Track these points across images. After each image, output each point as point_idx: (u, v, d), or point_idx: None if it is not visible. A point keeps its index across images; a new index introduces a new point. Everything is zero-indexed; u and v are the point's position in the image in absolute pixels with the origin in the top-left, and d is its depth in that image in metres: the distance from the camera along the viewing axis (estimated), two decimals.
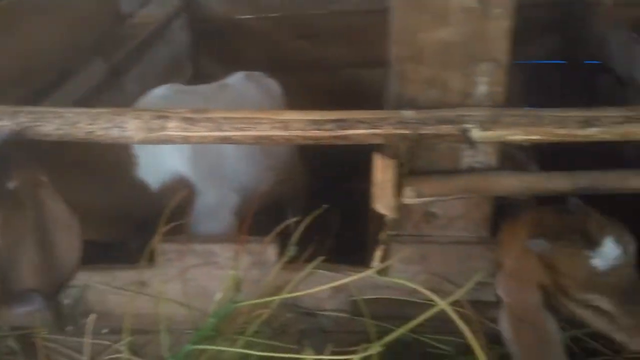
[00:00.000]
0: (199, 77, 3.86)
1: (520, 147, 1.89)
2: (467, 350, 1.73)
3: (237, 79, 2.54)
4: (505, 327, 1.56)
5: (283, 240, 1.78)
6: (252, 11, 4.08)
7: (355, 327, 1.79)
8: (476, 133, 1.45)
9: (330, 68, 3.92)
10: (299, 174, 2.81)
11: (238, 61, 3.04)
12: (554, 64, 4.35)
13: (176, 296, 1.73)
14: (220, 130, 1.40)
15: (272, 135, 1.42)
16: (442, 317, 1.77)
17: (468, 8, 1.40)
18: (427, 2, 1.41)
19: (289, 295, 1.58)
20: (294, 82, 3.65)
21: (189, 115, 1.41)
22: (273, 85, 2.67)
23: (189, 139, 1.43)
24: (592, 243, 1.37)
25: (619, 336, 1.40)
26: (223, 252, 1.70)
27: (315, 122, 1.42)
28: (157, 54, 3.40)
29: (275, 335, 1.66)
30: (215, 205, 2.17)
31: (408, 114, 1.44)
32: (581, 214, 1.45)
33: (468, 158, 1.60)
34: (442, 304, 1.31)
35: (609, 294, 1.37)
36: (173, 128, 1.41)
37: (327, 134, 1.43)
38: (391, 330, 1.78)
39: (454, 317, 1.28)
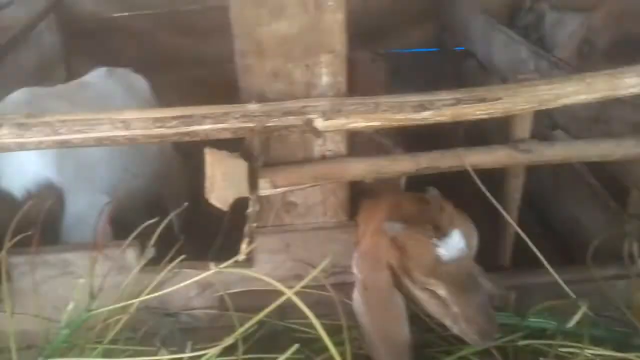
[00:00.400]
0: (73, 78, 3.71)
1: (386, 134, 1.98)
2: (337, 331, 1.81)
3: (97, 76, 2.45)
4: (357, 302, 1.63)
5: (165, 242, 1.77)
6: (126, 9, 3.98)
7: (227, 322, 1.80)
8: (320, 123, 1.50)
9: (210, 63, 3.89)
10: (177, 172, 2.77)
11: (114, 60, 2.95)
12: (429, 51, 4.57)
13: (33, 310, 1.65)
14: (58, 134, 1.36)
15: (113, 136, 1.39)
16: (310, 302, 1.83)
17: (302, 1, 1.43)
18: None
19: (144, 298, 1.57)
20: (173, 79, 3.60)
21: (22, 120, 1.35)
22: (139, 81, 2.60)
23: (25, 145, 1.37)
24: (441, 233, 1.45)
25: (446, 321, 1.51)
26: (79, 260, 1.65)
27: (158, 120, 1.41)
28: (21, 58, 3.22)
29: (142, 340, 1.64)
30: (86, 210, 2.09)
31: (253, 107, 1.46)
32: (436, 205, 1.53)
33: (319, 147, 1.65)
34: (288, 293, 1.34)
35: (446, 282, 1.46)
36: (6, 135, 1.35)
37: (172, 131, 1.42)
38: (261, 322, 1.81)
39: (300, 304, 1.32)
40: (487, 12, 3.42)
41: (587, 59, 2.14)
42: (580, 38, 2.16)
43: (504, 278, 1.89)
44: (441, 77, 4.19)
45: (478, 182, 1.66)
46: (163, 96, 2.67)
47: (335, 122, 1.51)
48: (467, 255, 1.48)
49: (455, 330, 1.52)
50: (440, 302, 1.48)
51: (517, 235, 2.37)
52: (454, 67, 4.05)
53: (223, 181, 1.31)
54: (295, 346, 1.35)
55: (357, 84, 2.67)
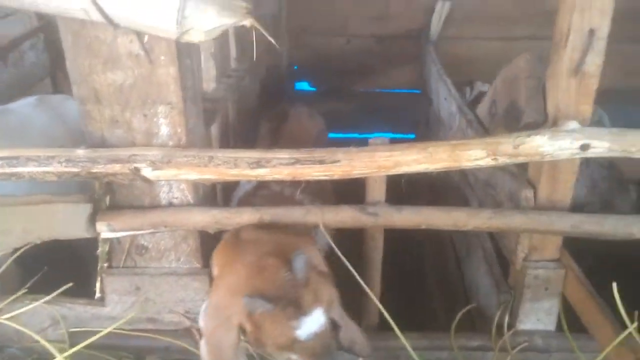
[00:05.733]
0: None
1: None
2: None
3: (25, 103, 2.51)
4: (202, 352, 1.52)
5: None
6: None
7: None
8: (148, 172, 1.51)
9: None
10: None
11: None
12: (410, 92, 4.57)
13: None
14: None
15: None
16: (160, 346, 1.84)
17: (134, 54, 1.46)
18: (96, 47, 1.46)
19: None
20: None
21: None
22: (73, 109, 2.65)
23: None
24: (302, 312, 1.37)
25: None
26: None
27: None
28: None
29: None
30: None
31: (80, 152, 1.49)
32: (302, 276, 1.42)
33: (165, 194, 1.66)
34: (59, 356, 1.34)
35: (305, 355, 1.40)
36: None
37: None
38: None
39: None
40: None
41: (493, 119, 2.10)
42: (490, 99, 2.13)
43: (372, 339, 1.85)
44: (414, 118, 4.19)
45: (331, 242, 1.64)
46: None
47: (165, 172, 1.52)
48: (327, 332, 1.42)
49: None
50: None
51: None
52: (426, 111, 4.04)
53: None
54: None
55: (287, 136, 2.68)
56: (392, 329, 1.82)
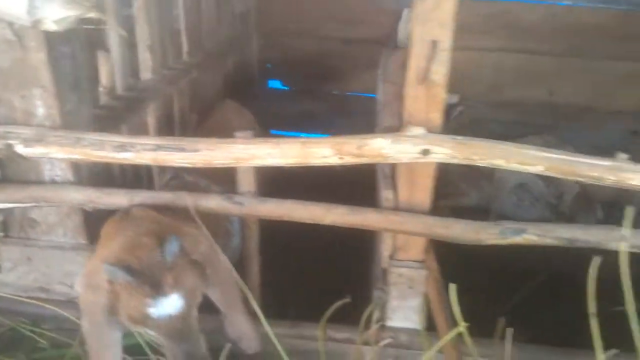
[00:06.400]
0: None
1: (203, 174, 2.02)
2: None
3: None
4: (83, 324, 1.60)
5: None
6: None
7: None
8: (21, 149, 1.64)
9: None
10: None
11: None
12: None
13: None
14: None
15: None
16: (49, 315, 1.95)
17: (7, 40, 1.58)
18: None
19: None
20: None
21: None
22: None
23: None
24: (160, 292, 1.44)
25: None
26: None
27: None
28: None
29: None
30: None
31: None
32: (170, 260, 1.47)
33: (48, 171, 1.78)
34: None
35: (155, 330, 1.47)
36: None
37: None
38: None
39: None
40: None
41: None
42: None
43: None
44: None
45: (204, 229, 1.71)
46: None
47: (35, 150, 1.64)
48: (185, 312, 1.48)
49: None
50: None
51: None
52: None
53: None
54: None
55: (209, 129, 2.75)
56: (272, 317, 1.91)
